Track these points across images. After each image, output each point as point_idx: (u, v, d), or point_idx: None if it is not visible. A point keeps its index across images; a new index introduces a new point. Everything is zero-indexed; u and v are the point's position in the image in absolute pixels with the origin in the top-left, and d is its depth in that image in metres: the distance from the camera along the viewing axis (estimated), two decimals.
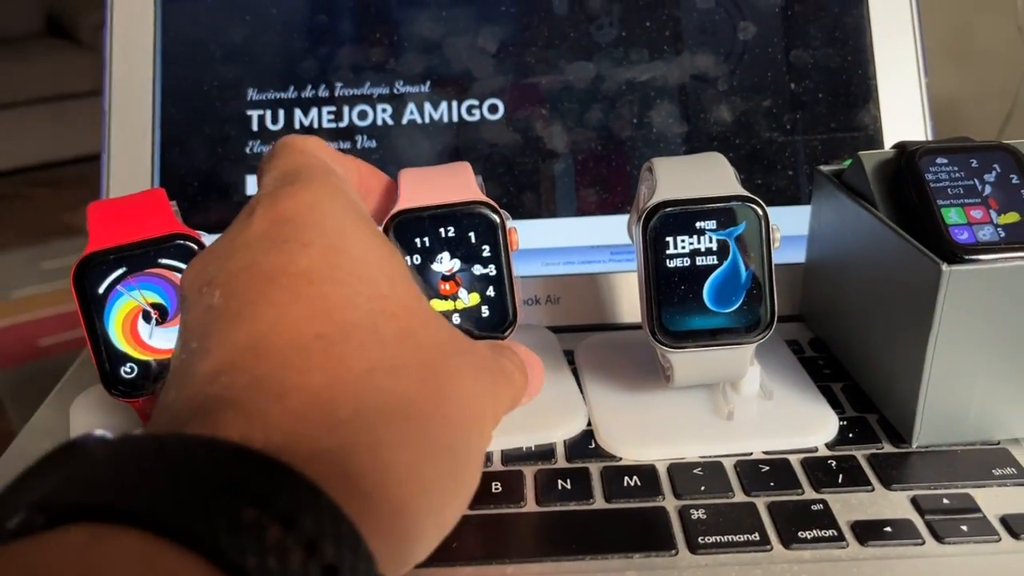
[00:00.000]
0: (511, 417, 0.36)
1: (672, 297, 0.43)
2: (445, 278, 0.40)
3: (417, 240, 0.40)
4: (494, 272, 0.40)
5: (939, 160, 0.45)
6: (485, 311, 0.41)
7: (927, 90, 0.58)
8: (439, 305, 0.40)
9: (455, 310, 0.40)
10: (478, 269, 0.40)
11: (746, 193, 0.44)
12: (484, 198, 0.40)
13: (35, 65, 1.98)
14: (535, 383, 0.38)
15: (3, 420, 1.00)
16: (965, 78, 0.80)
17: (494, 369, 0.34)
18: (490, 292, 0.40)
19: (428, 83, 0.59)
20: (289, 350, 0.26)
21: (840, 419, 0.46)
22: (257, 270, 0.28)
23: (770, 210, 0.44)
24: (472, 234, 0.40)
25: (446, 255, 0.40)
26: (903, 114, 0.58)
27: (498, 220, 0.40)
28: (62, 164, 1.95)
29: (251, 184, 0.58)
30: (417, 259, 0.40)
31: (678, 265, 0.43)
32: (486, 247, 0.40)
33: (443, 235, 0.40)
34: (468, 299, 0.40)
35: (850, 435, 0.46)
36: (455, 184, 0.41)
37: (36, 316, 1.03)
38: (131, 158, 0.58)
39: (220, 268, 0.29)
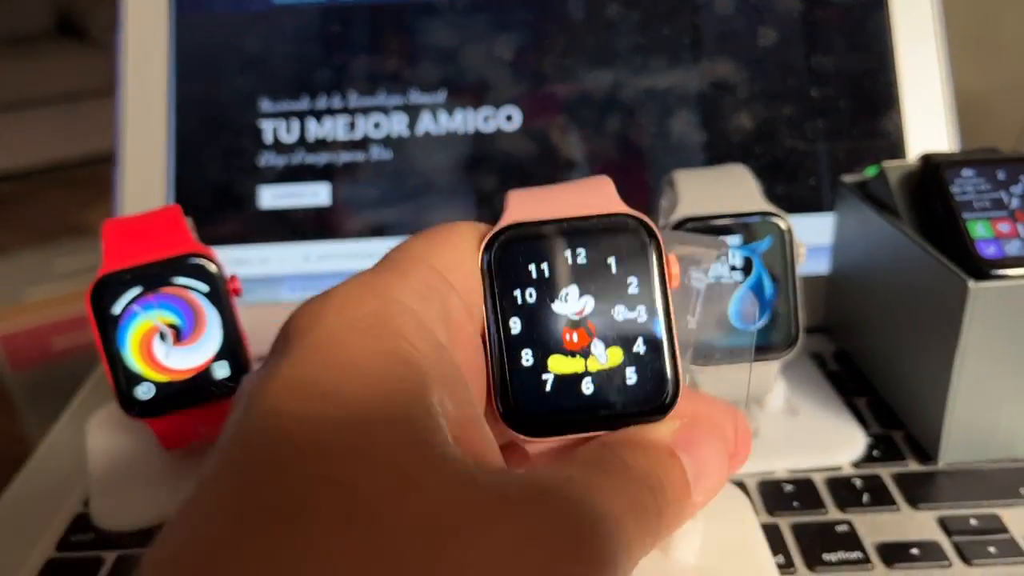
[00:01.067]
0: None
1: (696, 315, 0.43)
2: (572, 324, 0.27)
3: (532, 267, 0.27)
4: (644, 318, 0.27)
5: (965, 172, 0.45)
6: (631, 376, 0.27)
7: (951, 95, 0.57)
8: (561, 364, 0.27)
9: (586, 372, 0.27)
10: (621, 313, 0.27)
11: (770, 208, 0.43)
12: (631, 211, 0.28)
13: (46, 64, 1.98)
14: (713, 479, 0.27)
15: (16, 423, 1.01)
16: (990, 70, 0.79)
17: (580, 518, 0.22)
18: (638, 348, 0.27)
19: (444, 93, 0.59)
20: None
21: (865, 436, 0.46)
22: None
23: (792, 218, 0.43)
24: (613, 260, 0.27)
25: (574, 290, 0.27)
26: (927, 120, 0.57)
27: (650, 241, 0.27)
28: (74, 164, 1.95)
29: (264, 195, 0.58)
30: (531, 296, 0.27)
31: (700, 282, 0.43)
32: (633, 280, 0.27)
33: (570, 260, 0.28)
34: (605, 357, 0.27)
35: (875, 452, 0.45)
36: (590, 197, 0.29)
37: (49, 317, 1.03)
38: (145, 170, 0.57)
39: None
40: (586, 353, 0.27)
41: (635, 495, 0.24)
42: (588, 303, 0.27)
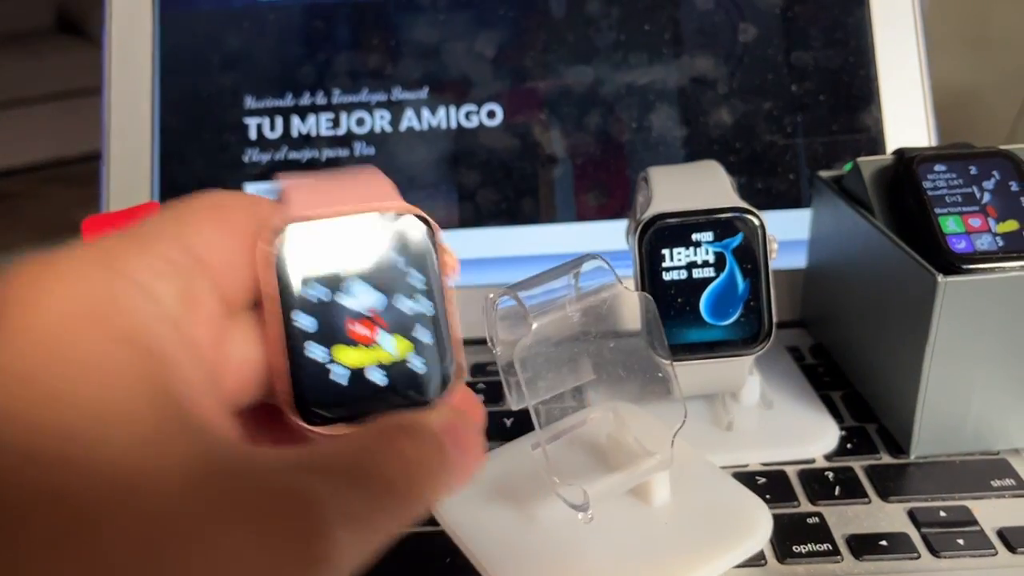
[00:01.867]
0: None
1: (669, 310, 0.43)
2: (358, 316, 0.27)
3: (318, 260, 0.27)
4: (426, 308, 0.28)
5: (937, 167, 0.45)
6: (418, 365, 0.28)
7: (930, 90, 0.58)
8: (348, 355, 0.27)
9: (376, 363, 0.27)
10: (405, 305, 0.28)
11: (743, 204, 0.43)
12: (409, 206, 0.29)
13: (46, 62, 1.98)
14: (464, 464, 0.26)
15: None
16: (980, 65, 0.79)
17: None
18: (423, 338, 0.28)
19: (426, 89, 0.59)
20: None
21: (839, 429, 0.46)
22: None
23: (770, 214, 0.44)
24: (396, 253, 0.28)
25: (359, 283, 0.28)
26: (906, 115, 0.58)
27: (428, 233, 0.28)
28: (74, 161, 1.96)
29: (249, 191, 0.58)
30: (316, 288, 0.27)
31: (674, 278, 0.43)
32: (414, 272, 0.28)
33: (356, 253, 0.28)
34: (394, 347, 0.28)
35: (848, 445, 0.45)
36: (369, 190, 0.29)
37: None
38: (130, 166, 0.58)
39: None
40: (374, 344, 0.27)
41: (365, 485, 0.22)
42: (374, 295, 0.28)
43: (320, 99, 0.59)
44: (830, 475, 0.43)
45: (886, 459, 0.44)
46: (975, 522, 0.40)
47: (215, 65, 0.59)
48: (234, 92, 0.59)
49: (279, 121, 0.59)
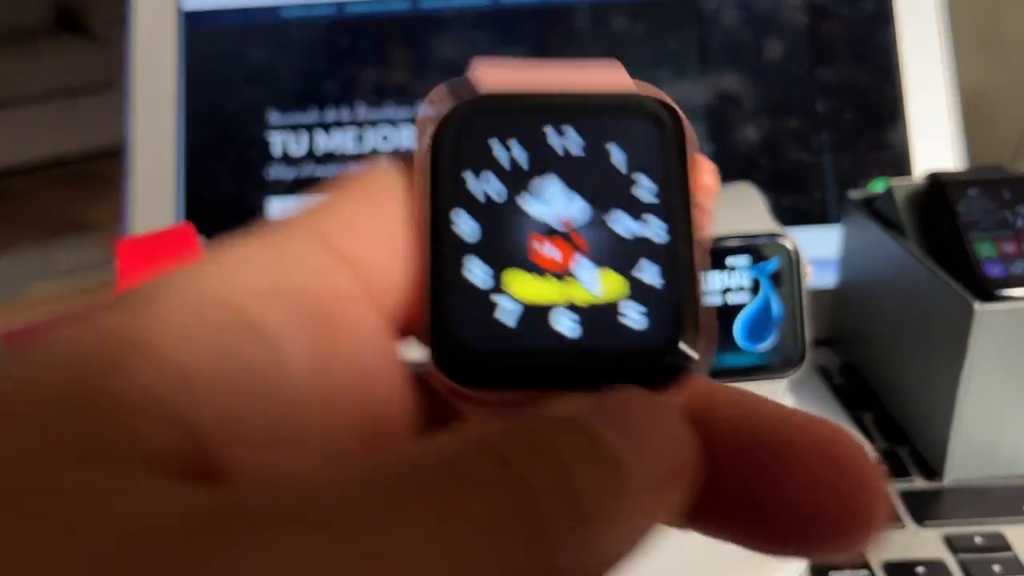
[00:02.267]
0: None
1: None
2: (550, 231, 0.19)
3: (499, 149, 0.19)
4: (661, 234, 0.19)
5: (971, 192, 0.45)
6: (635, 316, 0.18)
7: (957, 107, 0.58)
8: (528, 286, 0.18)
9: (566, 302, 0.18)
10: (625, 224, 0.19)
11: (778, 229, 0.43)
12: (649, 90, 0.20)
13: (46, 59, 1.98)
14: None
15: None
16: (994, 68, 0.79)
17: None
18: (648, 276, 0.18)
19: None
20: None
21: (872, 452, 0.46)
22: None
23: (797, 231, 0.44)
24: (617, 149, 0.19)
25: (557, 184, 0.19)
26: (932, 132, 0.58)
27: (674, 129, 0.19)
28: (75, 159, 1.95)
29: (274, 208, 0.58)
30: (490, 184, 0.19)
31: (708, 301, 0.43)
32: (644, 180, 0.19)
33: (556, 144, 0.19)
34: (598, 285, 0.18)
35: (881, 468, 0.45)
36: (592, 75, 0.21)
37: (51, 313, 1.03)
38: (155, 183, 0.58)
39: None
40: (567, 275, 0.19)
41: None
42: (577, 205, 0.19)
43: (345, 115, 0.59)
44: None
45: (919, 482, 0.45)
46: (1009, 548, 0.40)
47: (240, 81, 0.59)
48: (258, 108, 0.59)
49: (304, 137, 0.59)
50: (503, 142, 0.19)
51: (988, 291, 0.41)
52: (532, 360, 0.18)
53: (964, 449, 0.43)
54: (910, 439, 0.47)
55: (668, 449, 0.16)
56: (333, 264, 0.18)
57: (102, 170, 1.80)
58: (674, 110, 0.19)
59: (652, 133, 0.19)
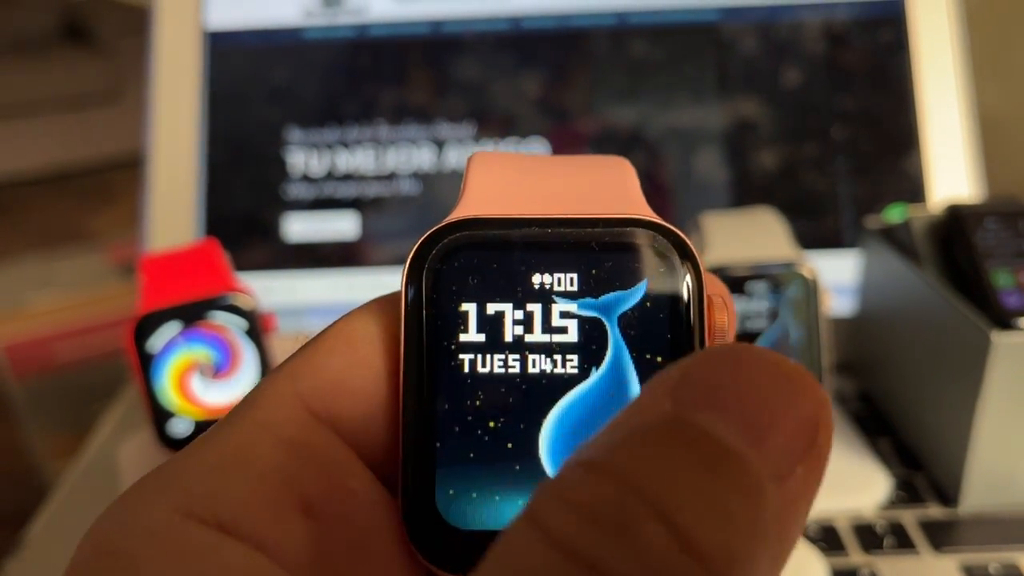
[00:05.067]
0: None
1: None
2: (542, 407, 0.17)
3: (487, 297, 0.18)
4: None
5: (988, 222, 0.46)
6: None
7: (975, 134, 0.58)
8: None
9: None
10: (632, 381, 0.17)
11: (798, 257, 0.44)
12: (657, 217, 0.19)
13: (51, 69, 1.98)
14: None
15: (18, 435, 1.01)
16: (1010, 93, 0.80)
17: None
18: None
19: (471, 126, 0.59)
20: None
21: (888, 478, 0.47)
22: None
23: (814, 256, 0.44)
24: (621, 303, 0.18)
25: (550, 355, 0.17)
26: (949, 157, 0.58)
27: (684, 267, 0.18)
28: (78, 169, 1.96)
29: (293, 226, 0.59)
30: (478, 344, 0.17)
31: None
32: (656, 341, 0.17)
33: (552, 303, 0.18)
34: None
35: (898, 495, 0.46)
36: (596, 184, 0.19)
37: (52, 325, 1.03)
38: (175, 200, 0.58)
39: None
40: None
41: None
42: (577, 377, 0.17)
43: (365, 135, 0.59)
44: (880, 525, 0.44)
45: (935, 510, 0.45)
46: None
47: (261, 100, 0.60)
48: (279, 127, 0.59)
49: (324, 157, 0.59)
50: (494, 302, 0.17)
51: (1005, 321, 0.42)
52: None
53: (980, 477, 0.44)
54: (926, 466, 0.47)
55: (797, 415, 0.13)
56: (322, 439, 0.17)
57: (104, 181, 1.80)
58: (683, 242, 0.18)
59: (662, 273, 0.18)
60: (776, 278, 0.44)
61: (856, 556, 0.42)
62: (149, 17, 0.60)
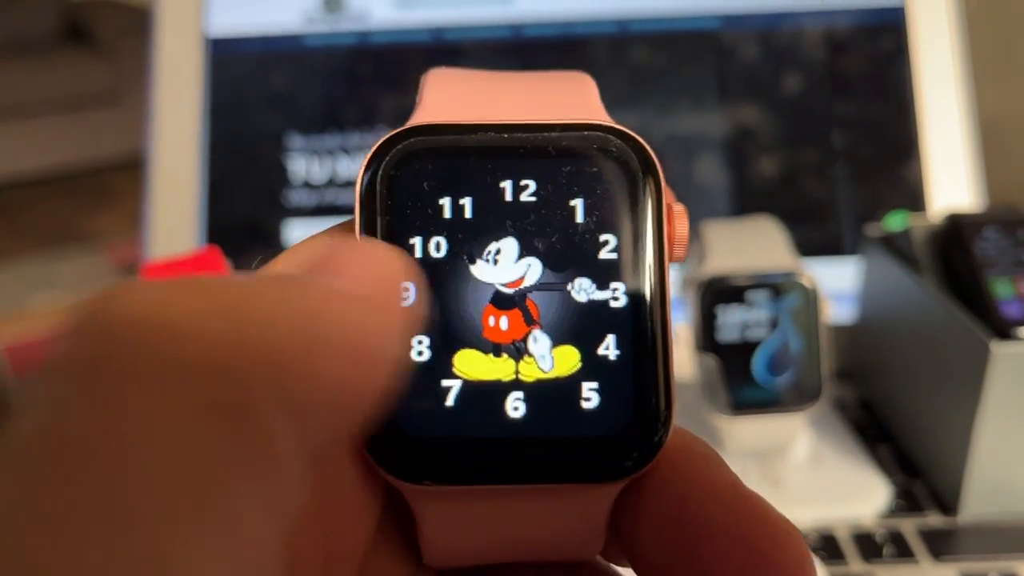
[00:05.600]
0: None
1: (722, 368, 0.44)
2: (502, 301, 0.17)
3: (444, 201, 0.17)
4: (624, 301, 0.17)
5: (987, 232, 0.46)
6: (590, 395, 0.17)
7: (974, 140, 0.58)
8: (477, 364, 0.17)
9: (516, 380, 0.17)
10: (585, 290, 0.17)
11: (798, 266, 0.44)
12: (617, 124, 0.18)
13: (52, 70, 1.98)
14: None
15: None
16: (1010, 99, 0.80)
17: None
18: (607, 350, 0.17)
19: None
20: None
21: (888, 486, 0.47)
22: None
23: (813, 263, 0.45)
24: (580, 203, 0.17)
25: (510, 245, 0.17)
26: (949, 163, 0.59)
27: (645, 176, 0.17)
28: (78, 170, 1.96)
29: (294, 232, 0.59)
30: (437, 247, 0.17)
31: (728, 336, 0.44)
32: (609, 238, 0.17)
33: (509, 196, 0.17)
34: (550, 360, 0.17)
35: (897, 503, 0.46)
36: (557, 96, 0.19)
37: (53, 326, 1.03)
38: (176, 206, 0.58)
39: None
40: (519, 350, 0.17)
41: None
42: (532, 268, 0.17)
43: (366, 141, 0.59)
44: (879, 534, 0.44)
45: (934, 518, 0.45)
46: None
47: (262, 107, 0.60)
48: (280, 134, 0.60)
49: (325, 163, 0.59)
50: (452, 196, 0.17)
51: (1004, 331, 0.42)
52: (480, 451, 0.16)
53: (980, 486, 0.44)
54: (926, 475, 0.48)
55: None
56: None
57: (105, 182, 1.80)
58: (644, 150, 0.17)
59: (621, 180, 0.17)
60: (776, 287, 0.44)
61: (856, 565, 0.42)
62: (150, 23, 0.60)
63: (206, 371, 0.12)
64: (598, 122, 0.17)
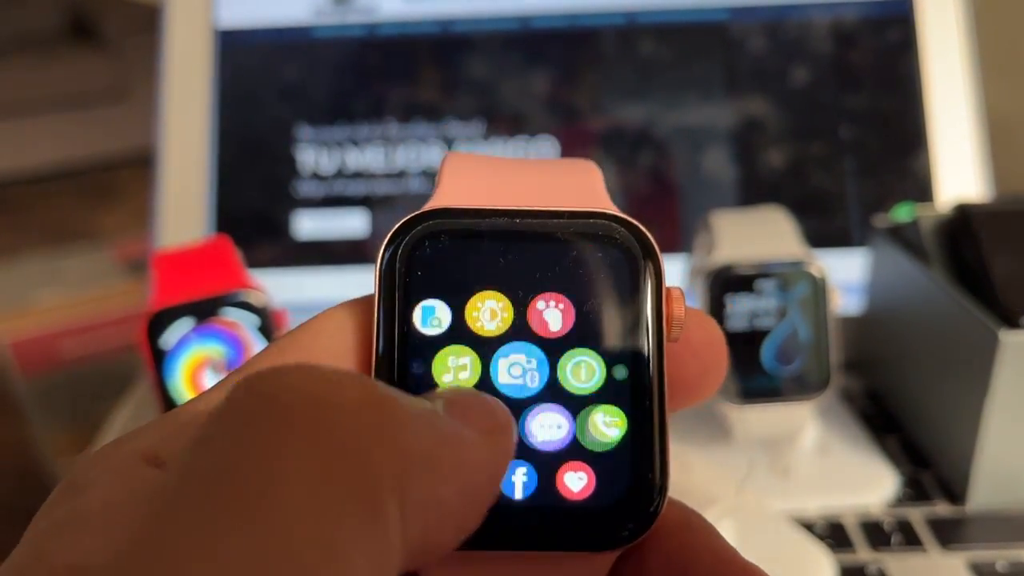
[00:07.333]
0: None
1: (731, 357, 0.44)
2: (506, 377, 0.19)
3: (456, 278, 0.19)
4: (630, 388, 0.19)
5: (996, 221, 0.46)
6: (581, 476, 0.18)
7: (982, 132, 0.59)
8: None
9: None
10: (592, 376, 0.18)
11: (807, 255, 0.44)
12: (620, 212, 0.19)
13: (57, 67, 1.98)
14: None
15: (24, 431, 1.01)
16: (1015, 92, 0.80)
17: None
18: (609, 431, 0.18)
19: (481, 124, 0.60)
20: None
21: (896, 475, 0.47)
22: None
23: (822, 254, 0.45)
24: (584, 284, 0.19)
25: (517, 340, 0.19)
26: (957, 155, 0.59)
27: (645, 262, 0.19)
28: (83, 166, 1.96)
29: (303, 223, 0.59)
30: (440, 323, 0.19)
31: (737, 325, 0.44)
32: (616, 321, 0.19)
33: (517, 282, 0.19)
34: (555, 436, 0.18)
35: (905, 492, 0.46)
36: (563, 183, 0.20)
37: (58, 322, 1.03)
38: (184, 198, 0.59)
39: None
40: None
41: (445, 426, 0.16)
42: (537, 355, 0.18)
43: (375, 133, 0.60)
44: (888, 522, 0.44)
45: (942, 507, 0.45)
46: None
47: (271, 98, 0.60)
48: (289, 125, 0.60)
49: (334, 154, 0.59)
50: (464, 276, 0.19)
51: (1013, 320, 0.42)
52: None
53: (988, 475, 0.44)
54: (934, 464, 0.48)
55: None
56: None
57: (111, 179, 1.80)
58: (645, 237, 0.19)
59: (622, 266, 0.19)
60: (785, 276, 0.44)
61: (864, 553, 0.42)
62: (159, 16, 0.60)
63: (351, 448, 0.15)
64: (603, 210, 0.19)
